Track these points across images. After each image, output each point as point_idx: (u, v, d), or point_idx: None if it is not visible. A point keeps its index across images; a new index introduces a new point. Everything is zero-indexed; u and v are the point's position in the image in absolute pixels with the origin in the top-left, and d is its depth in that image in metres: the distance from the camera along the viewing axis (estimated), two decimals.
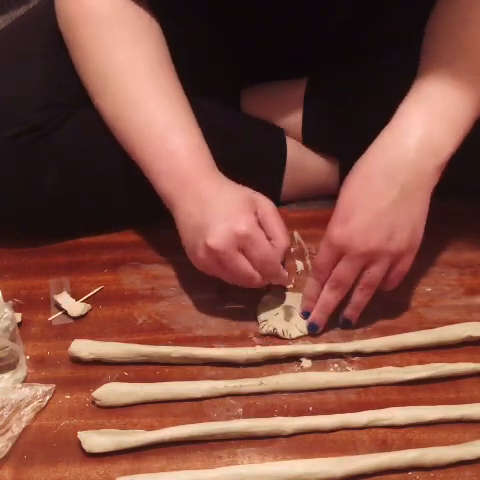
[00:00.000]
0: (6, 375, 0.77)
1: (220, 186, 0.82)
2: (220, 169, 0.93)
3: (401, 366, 0.80)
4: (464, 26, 0.81)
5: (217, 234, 0.78)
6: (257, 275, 0.80)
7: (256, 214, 0.82)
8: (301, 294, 0.87)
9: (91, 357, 0.79)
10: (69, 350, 0.79)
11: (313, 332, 0.83)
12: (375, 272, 0.79)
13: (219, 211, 0.79)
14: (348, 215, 0.78)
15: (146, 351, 0.79)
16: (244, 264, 0.79)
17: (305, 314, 0.84)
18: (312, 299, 0.83)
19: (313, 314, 0.83)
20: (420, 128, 0.79)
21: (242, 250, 0.79)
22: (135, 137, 0.84)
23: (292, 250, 0.93)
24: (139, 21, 0.85)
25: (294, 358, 0.80)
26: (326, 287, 0.81)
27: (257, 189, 0.87)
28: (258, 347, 0.81)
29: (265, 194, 0.87)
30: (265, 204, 0.83)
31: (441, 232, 0.92)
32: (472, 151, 0.80)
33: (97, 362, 0.79)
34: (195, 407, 0.76)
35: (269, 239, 0.81)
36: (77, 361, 0.80)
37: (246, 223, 0.78)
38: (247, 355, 0.80)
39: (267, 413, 0.76)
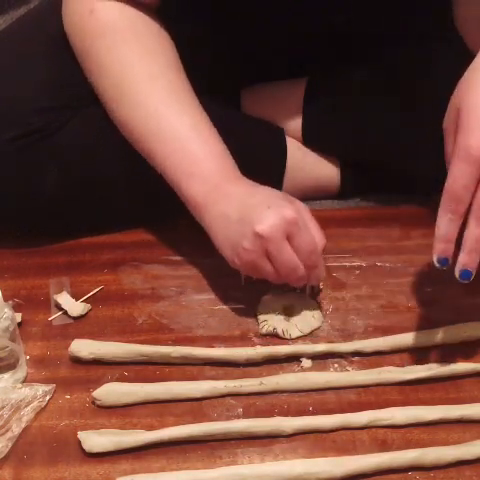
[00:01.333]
0: (6, 375, 0.77)
1: (253, 187, 0.82)
2: None
3: (401, 366, 0.80)
4: None
5: (265, 220, 0.76)
6: (301, 266, 0.78)
7: None
8: (301, 294, 0.87)
9: (91, 357, 0.79)
10: (69, 350, 0.79)
11: (466, 280, 0.70)
12: None
13: (261, 201, 0.78)
14: None
15: (146, 351, 0.79)
16: (291, 252, 0.77)
17: (443, 261, 0.70)
18: (450, 240, 0.69)
19: (463, 259, 0.69)
20: None
21: (288, 238, 0.77)
22: (157, 144, 0.83)
23: None
24: (150, 31, 0.86)
25: (294, 358, 0.80)
26: (473, 220, 0.67)
27: None
28: (258, 347, 0.81)
29: None
30: (304, 206, 0.81)
31: None
32: None
33: (97, 362, 0.79)
34: (195, 407, 0.76)
35: None
36: (77, 361, 0.80)
37: (292, 208, 0.77)
38: (247, 355, 0.80)
39: (267, 413, 0.76)
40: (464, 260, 0.69)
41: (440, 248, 0.70)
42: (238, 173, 0.83)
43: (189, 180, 0.82)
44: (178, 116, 0.83)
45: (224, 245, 0.81)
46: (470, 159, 0.66)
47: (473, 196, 0.67)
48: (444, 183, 0.78)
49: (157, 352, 0.79)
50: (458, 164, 0.67)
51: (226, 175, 0.82)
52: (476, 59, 0.71)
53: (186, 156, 0.82)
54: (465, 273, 0.69)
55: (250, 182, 0.82)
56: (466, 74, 0.71)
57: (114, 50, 0.84)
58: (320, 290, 0.87)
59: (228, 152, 0.84)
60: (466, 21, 0.85)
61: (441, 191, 0.80)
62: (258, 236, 0.76)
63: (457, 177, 0.67)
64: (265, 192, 0.81)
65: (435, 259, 0.71)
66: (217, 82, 0.96)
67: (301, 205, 0.80)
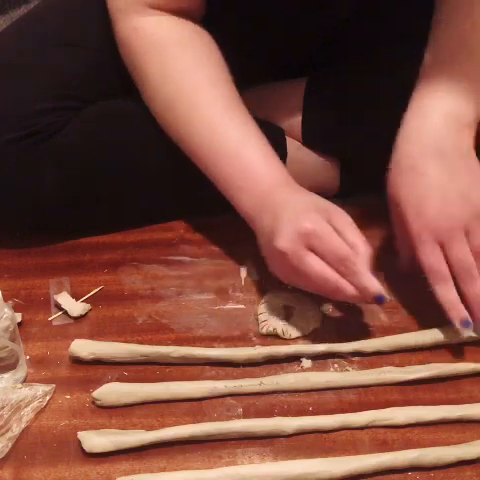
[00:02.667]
0: (6, 375, 0.77)
1: (292, 194, 0.82)
2: None
3: (401, 366, 0.80)
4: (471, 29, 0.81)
5: (282, 236, 0.76)
6: (334, 275, 0.75)
7: (328, 222, 0.78)
8: (301, 294, 0.87)
9: (91, 357, 0.79)
10: (69, 350, 0.79)
11: None
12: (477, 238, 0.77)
13: (286, 215, 0.78)
14: (420, 207, 0.77)
15: (146, 351, 0.79)
16: (316, 262, 0.75)
17: (466, 323, 0.77)
18: (457, 302, 0.77)
19: (478, 318, 0.77)
20: (439, 105, 0.80)
21: (312, 249, 0.76)
22: (209, 158, 0.84)
23: None
24: (196, 42, 0.86)
25: (294, 358, 0.80)
26: (462, 283, 0.77)
27: None
28: (258, 347, 0.81)
29: None
30: (341, 215, 0.79)
31: None
32: None
33: (97, 362, 0.79)
34: (195, 407, 0.76)
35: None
36: (77, 361, 0.80)
37: (310, 220, 0.76)
38: (247, 355, 0.80)
39: (267, 413, 0.76)
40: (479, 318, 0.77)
41: (455, 314, 0.77)
42: (288, 178, 0.83)
43: (239, 193, 0.82)
44: (230, 126, 0.84)
45: (265, 257, 0.82)
46: (424, 240, 0.76)
47: (448, 263, 0.76)
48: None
49: (157, 352, 0.79)
50: (420, 247, 0.77)
51: (276, 181, 0.82)
52: (400, 149, 0.81)
53: (236, 170, 0.83)
54: None
55: (295, 188, 0.82)
56: (395, 164, 0.80)
57: (161, 66, 0.85)
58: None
59: (278, 160, 0.84)
60: None
61: None
62: (279, 252, 0.77)
63: (427, 256, 0.77)
64: (297, 201, 0.80)
65: (458, 324, 0.77)
66: None
67: (342, 218, 0.79)
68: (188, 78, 0.84)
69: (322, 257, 0.76)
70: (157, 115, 0.87)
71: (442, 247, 0.77)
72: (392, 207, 0.81)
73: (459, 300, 0.77)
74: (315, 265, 0.76)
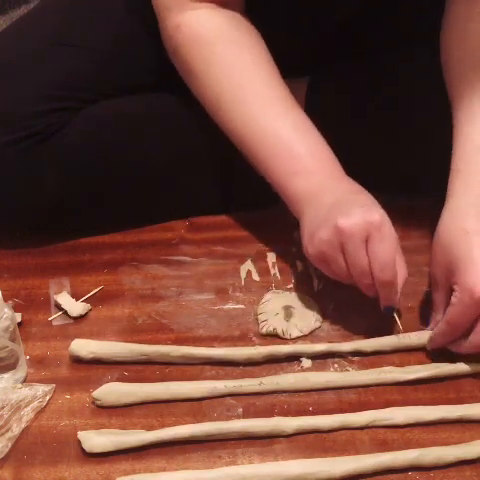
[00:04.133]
0: (6, 375, 0.77)
1: (356, 186, 0.82)
2: (221, 169, 0.93)
3: (401, 366, 0.80)
4: None
5: (351, 216, 0.76)
6: (370, 277, 0.77)
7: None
8: (301, 294, 0.87)
9: (91, 357, 0.79)
10: (69, 350, 0.79)
11: None
12: None
13: (357, 199, 0.79)
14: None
15: (146, 351, 0.79)
16: (364, 257, 0.76)
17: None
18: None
19: None
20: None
21: (367, 242, 0.76)
22: (259, 146, 0.84)
23: (293, 250, 0.93)
24: (238, 33, 0.86)
25: (294, 358, 0.80)
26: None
27: (257, 189, 0.87)
28: (258, 347, 0.81)
29: (265, 194, 0.87)
30: (384, 225, 0.78)
31: None
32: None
33: (97, 362, 0.79)
34: (195, 407, 0.76)
35: None
36: (77, 361, 0.80)
37: (382, 215, 0.77)
38: (247, 355, 0.80)
39: (267, 413, 0.76)
40: None
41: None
42: (342, 172, 0.83)
43: (293, 179, 0.82)
44: (279, 117, 0.83)
45: (305, 231, 0.81)
46: (474, 297, 0.73)
47: (473, 329, 0.75)
48: (442, 183, 0.80)
49: (157, 352, 0.79)
50: (463, 302, 0.74)
51: (330, 173, 0.82)
52: (450, 202, 0.79)
53: (290, 157, 0.82)
54: None
55: (354, 182, 0.83)
56: (447, 222, 0.78)
57: (206, 63, 0.85)
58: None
59: (330, 150, 0.84)
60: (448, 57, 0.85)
61: (438, 192, 0.80)
62: (337, 229, 0.76)
63: (461, 313, 0.75)
64: (366, 194, 0.81)
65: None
66: None
67: (381, 221, 0.78)
68: (232, 73, 0.84)
69: (372, 253, 0.76)
70: (208, 110, 0.86)
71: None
72: (440, 265, 0.79)
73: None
74: (363, 260, 0.76)
